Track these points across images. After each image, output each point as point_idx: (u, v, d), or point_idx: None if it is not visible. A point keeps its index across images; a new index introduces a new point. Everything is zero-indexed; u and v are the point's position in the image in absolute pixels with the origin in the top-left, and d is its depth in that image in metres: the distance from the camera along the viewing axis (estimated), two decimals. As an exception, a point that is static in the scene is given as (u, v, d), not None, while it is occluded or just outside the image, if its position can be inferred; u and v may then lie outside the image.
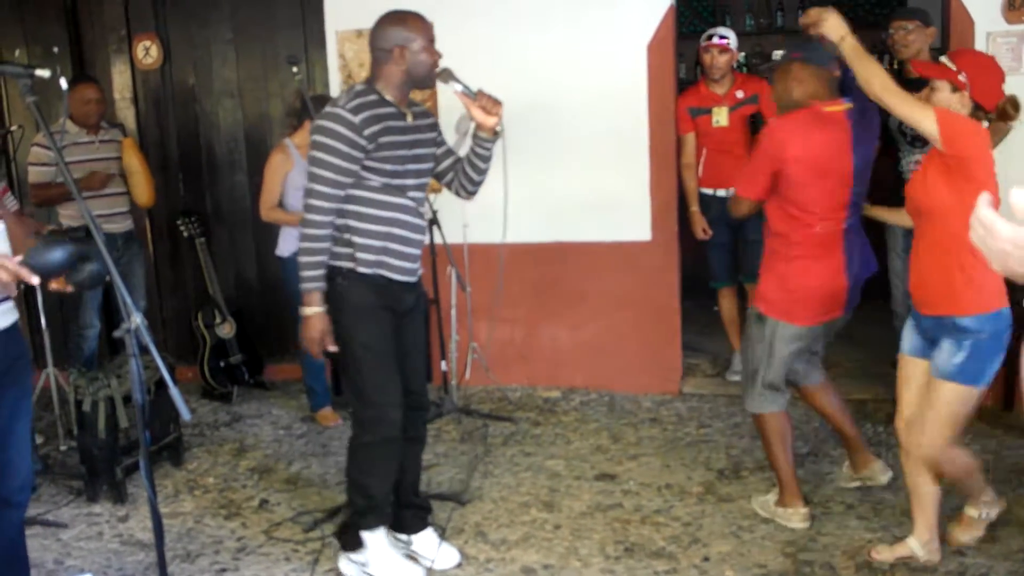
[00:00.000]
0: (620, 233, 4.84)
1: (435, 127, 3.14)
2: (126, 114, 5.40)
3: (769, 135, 3.11)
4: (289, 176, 4.35)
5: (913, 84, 3.18)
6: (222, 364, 5.15)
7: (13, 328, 2.53)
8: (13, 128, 4.91)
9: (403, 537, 3.30)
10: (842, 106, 3.10)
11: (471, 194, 3.22)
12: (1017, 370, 4.37)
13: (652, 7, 4.67)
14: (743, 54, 6.98)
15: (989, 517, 3.14)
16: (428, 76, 2.95)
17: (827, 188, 3.09)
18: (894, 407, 3.14)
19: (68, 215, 4.60)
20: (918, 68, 3.00)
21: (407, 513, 3.29)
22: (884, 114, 3.11)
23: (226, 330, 5.14)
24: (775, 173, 3.07)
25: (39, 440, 4.53)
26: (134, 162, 4.68)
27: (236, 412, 4.98)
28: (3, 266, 2.19)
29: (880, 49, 5.81)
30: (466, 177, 3.15)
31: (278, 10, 5.21)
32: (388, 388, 3.01)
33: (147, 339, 2.19)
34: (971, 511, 3.14)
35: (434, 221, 4.55)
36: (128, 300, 2.19)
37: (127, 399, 3.92)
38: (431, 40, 2.94)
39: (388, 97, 2.92)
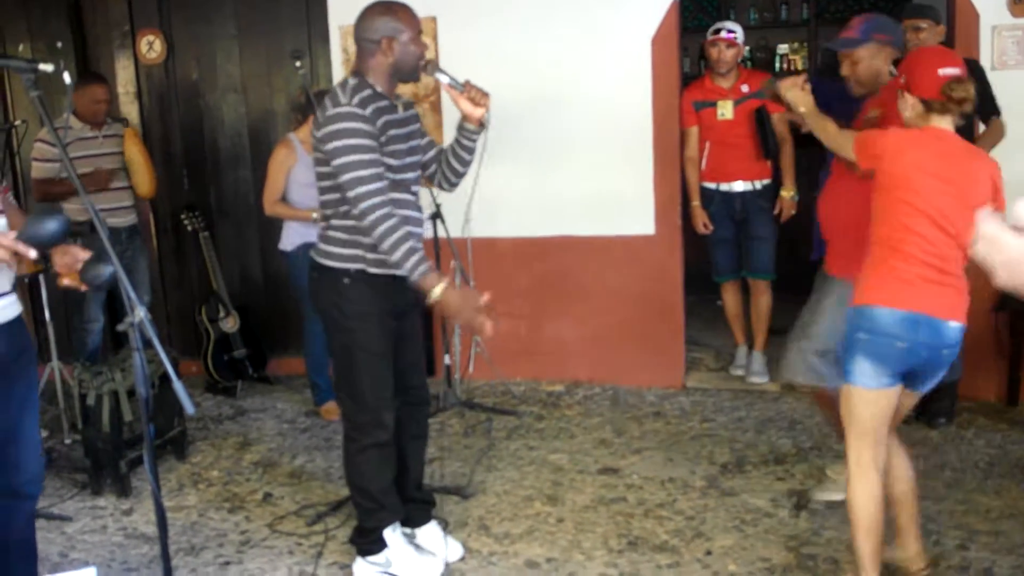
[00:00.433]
0: (624, 227, 4.84)
1: (419, 118, 3.11)
2: (130, 109, 5.41)
3: None
4: (293, 171, 4.35)
5: None
6: (226, 358, 5.16)
7: (17, 321, 2.53)
8: (17, 123, 4.92)
9: (407, 530, 3.31)
10: None
11: (453, 186, 3.20)
12: (1020, 367, 4.37)
13: (656, 1, 4.66)
14: (748, 48, 6.97)
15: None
16: (416, 68, 2.91)
17: None
18: None
19: (72, 210, 4.60)
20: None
21: (411, 507, 3.29)
22: None
23: (230, 324, 5.15)
24: None
25: (44, 434, 4.54)
26: (135, 152, 4.69)
27: (240, 406, 4.99)
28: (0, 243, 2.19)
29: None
30: (450, 169, 3.12)
31: (282, 5, 5.21)
32: (384, 390, 3.00)
33: (151, 333, 2.19)
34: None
35: (438, 215, 4.55)
36: (132, 294, 2.19)
37: (131, 393, 3.92)
38: (419, 32, 2.91)
39: (379, 89, 2.88)
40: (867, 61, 3.17)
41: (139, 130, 5.28)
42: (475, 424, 4.54)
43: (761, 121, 4.66)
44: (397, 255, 2.75)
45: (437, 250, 4.66)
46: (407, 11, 2.89)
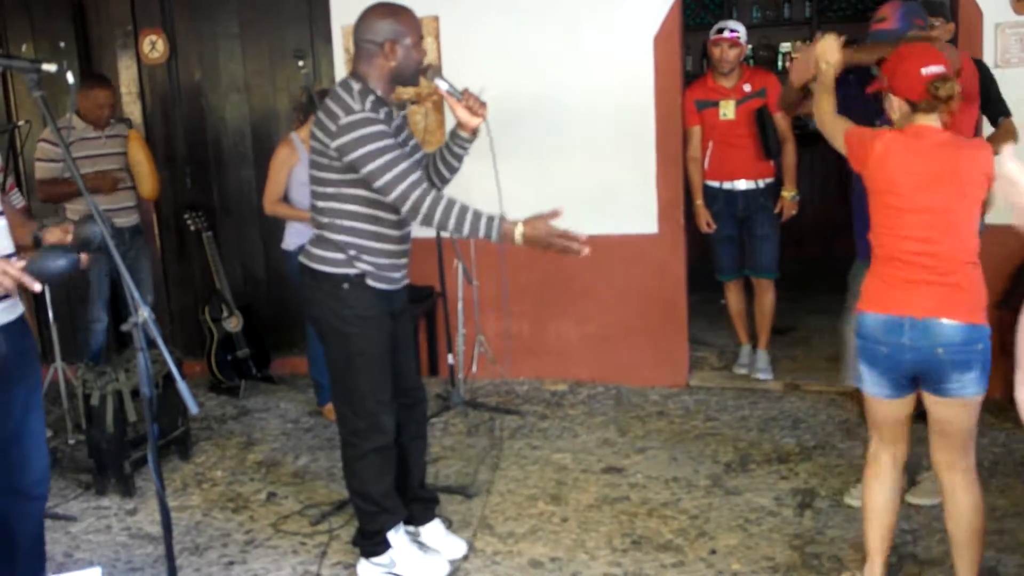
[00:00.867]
0: (627, 226, 4.83)
1: (407, 120, 3.11)
2: (132, 109, 5.41)
3: None
4: (294, 170, 4.35)
5: None
6: (229, 358, 5.16)
7: (20, 321, 2.53)
8: (20, 123, 4.92)
9: (410, 529, 3.31)
10: None
11: (438, 191, 3.20)
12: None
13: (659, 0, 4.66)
14: (750, 46, 6.96)
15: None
16: (416, 73, 2.88)
17: None
18: None
19: (75, 210, 4.61)
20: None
21: (414, 505, 3.29)
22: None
23: (233, 324, 5.15)
24: None
25: (48, 434, 4.55)
26: (139, 154, 4.69)
27: (243, 406, 4.99)
28: (5, 272, 2.20)
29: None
30: (437, 174, 3.08)
31: (284, 4, 5.21)
32: (383, 393, 3.00)
33: (154, 333, 2.18)
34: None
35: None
36: (136, 294, 2.19)
37: (135, 393, 3.93)
38: (421, 36, 2.89)
39: (380, 94, 2.84)
40: None
41: (142, 130, 5.28)
42: (479, 424, 4.54)
43: (762, 121, 4.65)
44: (466, 229, 2.73)
45: (440, 249, 4.66)
46: (410, 15, 2.85)
